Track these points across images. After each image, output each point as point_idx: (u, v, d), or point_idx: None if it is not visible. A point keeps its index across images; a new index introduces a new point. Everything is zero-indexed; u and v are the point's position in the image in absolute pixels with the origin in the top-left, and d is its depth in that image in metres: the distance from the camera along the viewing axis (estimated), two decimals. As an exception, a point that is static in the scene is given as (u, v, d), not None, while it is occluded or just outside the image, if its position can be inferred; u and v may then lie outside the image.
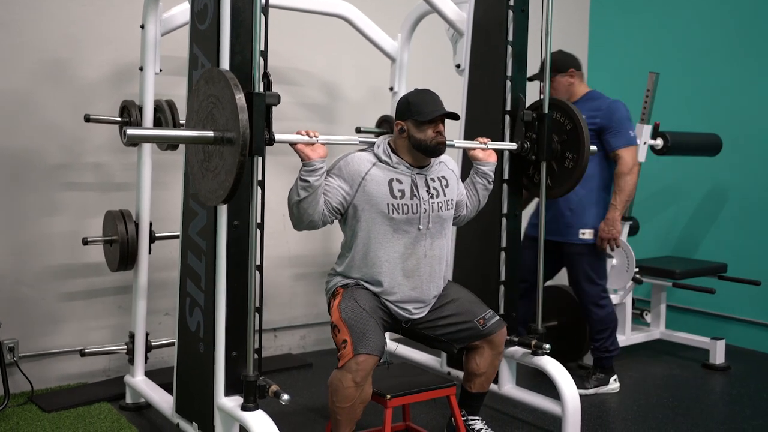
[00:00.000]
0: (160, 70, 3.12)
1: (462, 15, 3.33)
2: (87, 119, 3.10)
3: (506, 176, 3.06)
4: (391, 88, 3.91)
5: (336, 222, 2.58)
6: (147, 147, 3.13)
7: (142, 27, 3.09)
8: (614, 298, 4.09)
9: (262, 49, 2.22)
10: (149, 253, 3.17)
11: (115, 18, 3.51)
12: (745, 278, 4.14)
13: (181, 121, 3.07)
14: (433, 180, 2.58)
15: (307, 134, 2.33)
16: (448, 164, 2.68)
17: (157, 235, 3.21)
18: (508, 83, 3.04)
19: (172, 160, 3.50)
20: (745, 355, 4.31)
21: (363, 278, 2.54)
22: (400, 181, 2.50)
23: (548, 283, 3.72)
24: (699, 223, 4.75)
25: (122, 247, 3.07)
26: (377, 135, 4.01)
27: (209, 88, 2.12)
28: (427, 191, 2.54)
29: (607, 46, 5.41)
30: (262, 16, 2.21)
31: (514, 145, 2.97)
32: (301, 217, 2.40)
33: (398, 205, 2.48)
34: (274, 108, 2.18)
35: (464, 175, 2.91)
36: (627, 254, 3.99)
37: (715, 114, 4.61)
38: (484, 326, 2.61)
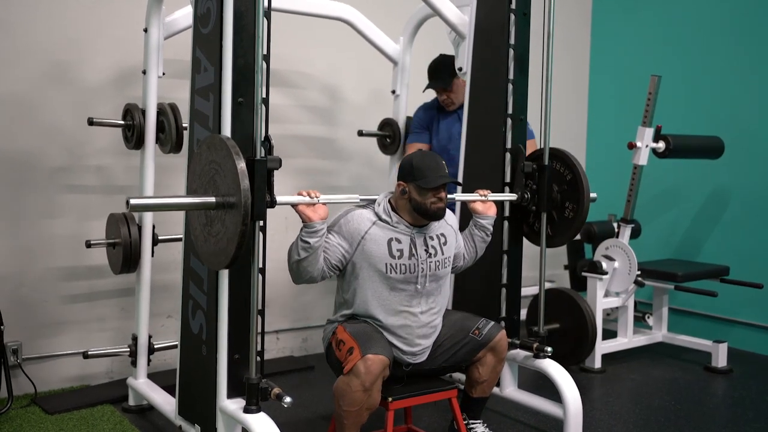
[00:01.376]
0: (163, 74, 3.14)
1: (464, 18, 3.33)
2: (90, 122, 3.11)
3: (508, 179, 3.07)
4: (393, 91, 3.92)
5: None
6: (150, 150, 3.14)
7: (146, 30, 3.09)
8: (616, 301, 4.10)
9: (265, 52, 2.23)
10: (152, 255, 3.18)
11: (117, 21, 3.52)
12: (747, 281, 4.13)
13: (183, 125, 3.08)
14: (431, 238, 2.59)
15: (308, 195, 2.35)
16: (447, 219, 2.68)
17: (159, 237, 3.22)
18: (510, 86, 3.04)
19: (174, 163, 3.50)
20: (747, 358, 4.30)
21: None
22: (399, 241, 2.51)
23: (549, 286, 3.71)
24: (701, 226, 4.75)
25: (125, 249, 3.08)
26: (378, 137, 4.05)
27: (211, 154, 2.14)
28: (425, 250, 2.55)
29: (608, 50, 5.41)
30: (265, 19, 2.22)
31: (514, 196, 2.99)
32: (300, 274, 2.42)
33: (396, 264, 2.49)
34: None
35: (463, 226, 2.93)
36: (629, 257, 3.99)
37: (717, 117, 4.61)
38: (480, 336, 2.62)
